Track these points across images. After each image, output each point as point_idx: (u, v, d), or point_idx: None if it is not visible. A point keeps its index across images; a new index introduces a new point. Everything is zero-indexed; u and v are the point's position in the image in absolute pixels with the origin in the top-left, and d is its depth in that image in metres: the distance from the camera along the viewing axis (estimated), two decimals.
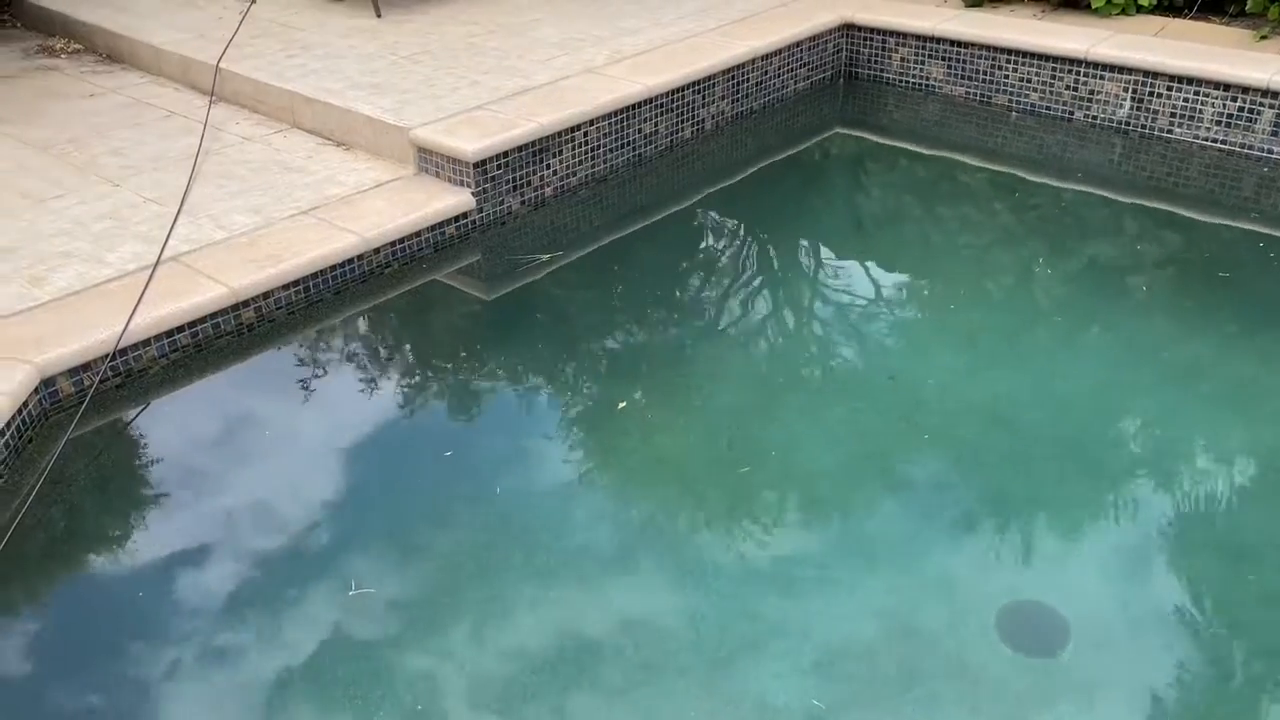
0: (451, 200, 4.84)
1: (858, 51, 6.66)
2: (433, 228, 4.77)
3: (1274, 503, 3.33)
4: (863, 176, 5.94)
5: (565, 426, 3.90)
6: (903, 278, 4.83)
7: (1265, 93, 5.24)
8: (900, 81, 6.56)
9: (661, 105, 5.63)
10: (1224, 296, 4.40)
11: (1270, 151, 5.32)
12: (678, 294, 4.74)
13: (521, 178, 5.08)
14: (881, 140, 6.26)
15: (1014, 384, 3.94)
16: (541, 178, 5.18)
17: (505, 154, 4.95)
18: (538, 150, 5.10)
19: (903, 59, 6.49)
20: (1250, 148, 5.38)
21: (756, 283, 4.88)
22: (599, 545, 3.28)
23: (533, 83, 5.60)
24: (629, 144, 5.55)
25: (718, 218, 5.51)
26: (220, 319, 4.13)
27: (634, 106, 5.47)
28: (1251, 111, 5.32)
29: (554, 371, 4.21)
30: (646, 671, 2.84)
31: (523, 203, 5.14)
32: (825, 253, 5.19)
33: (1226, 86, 5.35)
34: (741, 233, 5.38)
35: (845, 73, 6.77)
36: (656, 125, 5.66)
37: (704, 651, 2.89)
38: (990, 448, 3.62)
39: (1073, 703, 2.70)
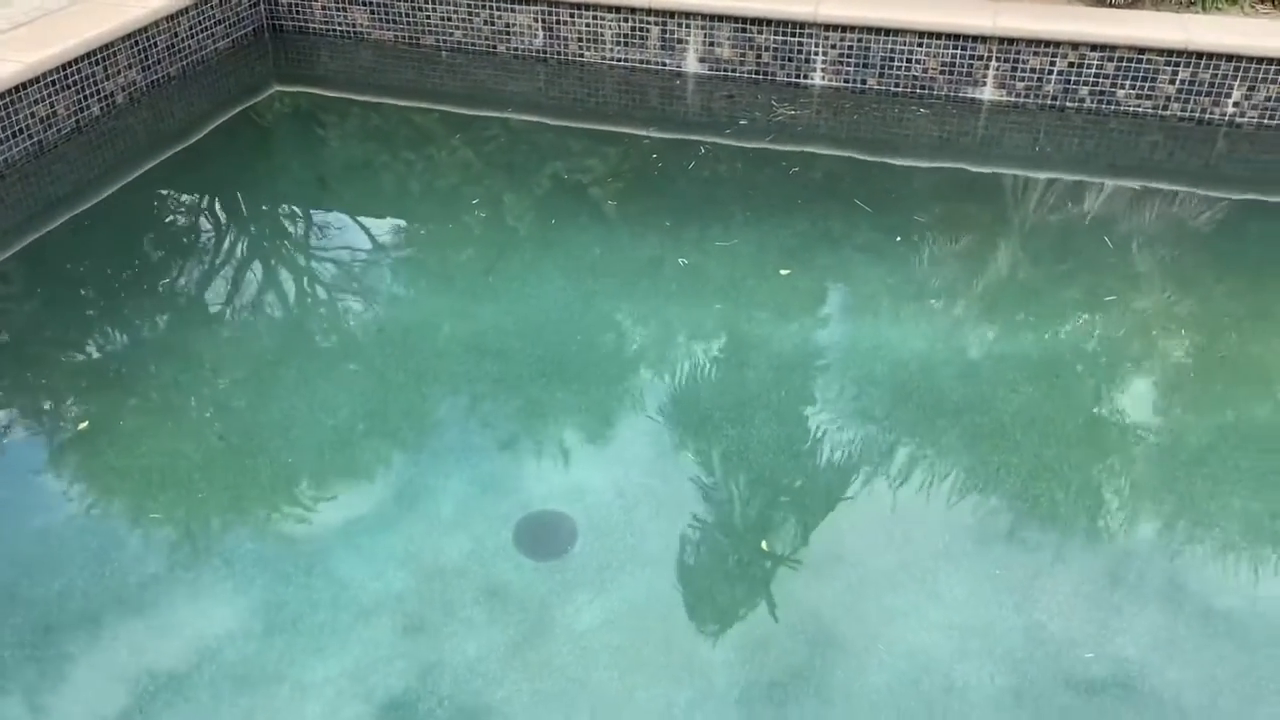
0: None
1: (276, 3, 6.35)
2: None
3: (732, 369, 3.88)
4: (316, 131, 5.74)
5: (13, 469, 3.35)
6: (374, 229, 4.79)
7: (649, 11, 5.91)
8: (328, 31, 6.39)
9: (53, 83, 4.91)
10: (655, 200, 4.97)
11: (664, 64, 6.05)
12: (128, 290, 4.25)
13: None
14: (324, 93, 6.08)
15: (495, 314, 4.12)
16: None
17: None
18: None
19: (324, 7, 6.31)
20: (648, 63, 6.08)
21: (220, 260, 4.53)
22: (83, 586, 2.89)
23: None
24: (23, 131, 4.79)
25: (162, 197, 4.99)
26: None
27: (18, 88, 4.71)
28: (642, 30, 5.99)
29: None
30: (166, 693, 2.60)
31: None
32: (289, 216, 4.97)
33: (618, 9, 5.95)
34: (192, 209, 4.94)
35: (269, 26, 6.43)
36: (53, 106, 4.93)
37: (234, 654, 2.71)
38: (482, 377, 3.77)
39: (590, 589, 2.97)
